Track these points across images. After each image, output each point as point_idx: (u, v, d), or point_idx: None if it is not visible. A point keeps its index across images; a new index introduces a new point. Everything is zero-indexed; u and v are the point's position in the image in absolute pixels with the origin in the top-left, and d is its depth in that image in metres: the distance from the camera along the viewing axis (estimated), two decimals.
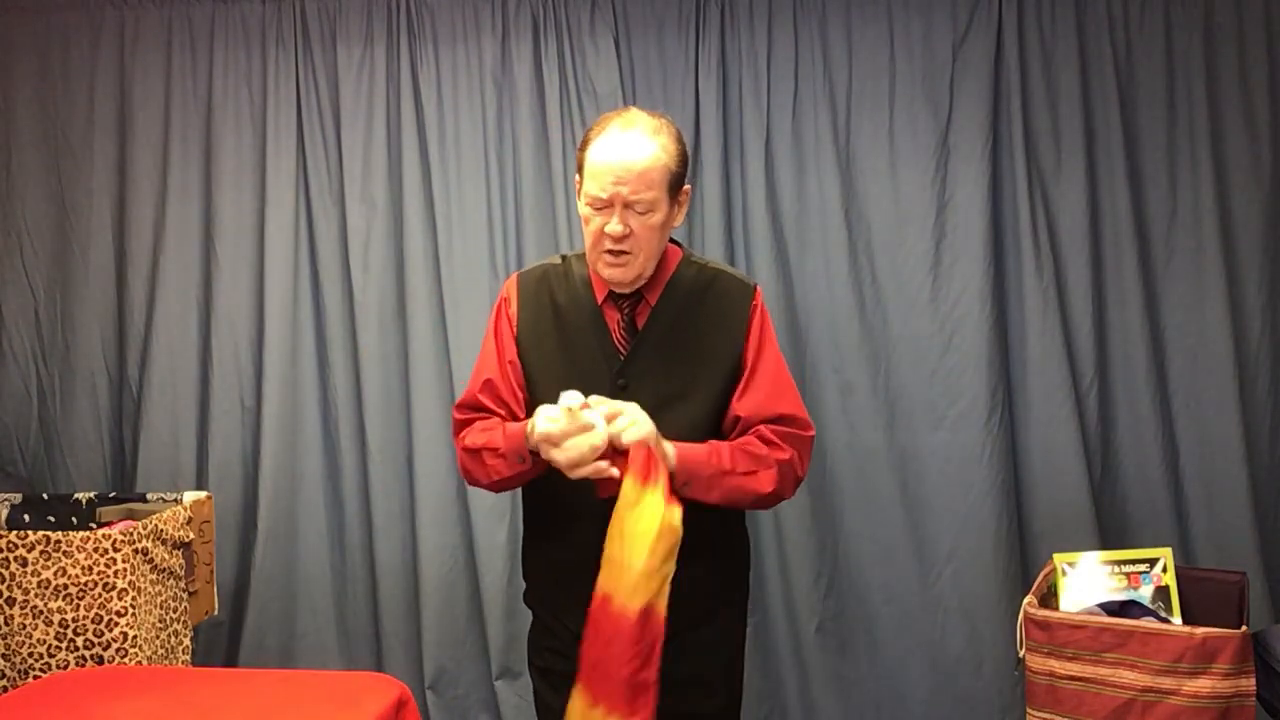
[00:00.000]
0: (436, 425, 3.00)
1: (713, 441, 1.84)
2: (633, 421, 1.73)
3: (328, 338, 3.07)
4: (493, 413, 1.94)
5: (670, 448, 1.77)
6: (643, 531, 1.69)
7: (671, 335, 1.89)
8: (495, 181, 3.00)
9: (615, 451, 1.74)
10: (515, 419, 1.91)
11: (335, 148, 3.05)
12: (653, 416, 1.79)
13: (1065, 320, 2.85)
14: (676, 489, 1.77)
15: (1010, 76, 2.84)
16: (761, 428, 1.87)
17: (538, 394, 1.90)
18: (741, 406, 1.88)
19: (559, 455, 1.74)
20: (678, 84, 2.94)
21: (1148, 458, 2.84)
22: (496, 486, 1.91)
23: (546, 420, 1.73)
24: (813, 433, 1.95)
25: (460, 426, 1.98)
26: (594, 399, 1.74)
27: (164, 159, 3.08)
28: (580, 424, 1.72)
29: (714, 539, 1.92)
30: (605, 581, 1.71)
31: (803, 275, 2.93)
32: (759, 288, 1.95)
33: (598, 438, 1.71)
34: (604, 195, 1.78)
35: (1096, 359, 2.85)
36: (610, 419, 1.73)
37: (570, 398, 1.72)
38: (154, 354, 3.07)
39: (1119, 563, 2.37)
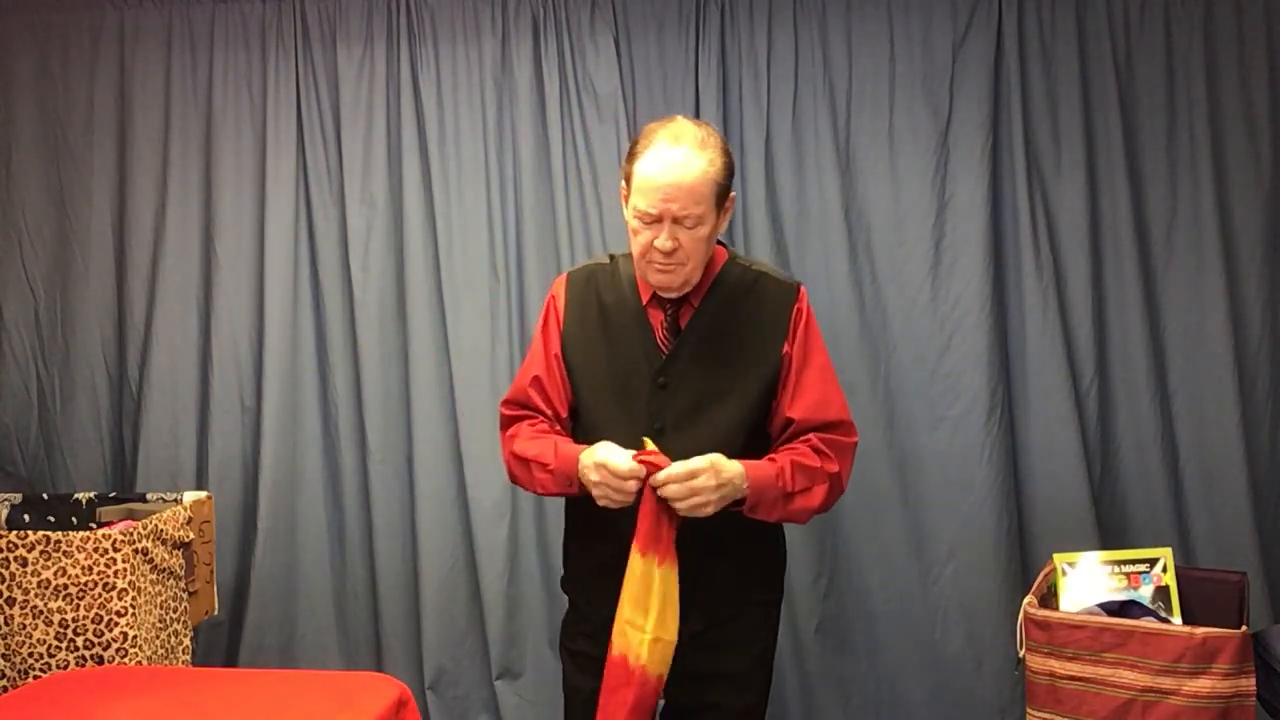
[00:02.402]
0: (436, 425, 3.00)
1: (775, 459, 1.87)
2: (699, 500, 1.75)
3: (328, 338, 3.07)
4: (539, 411, 1.98)
5: (741, 472, 1.79)
6: (657, 600, 1.76)
7: (714, 336, 1.92)
8: (495, 181, 3.00)
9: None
10: (560, 418, 1.97)
11: (335, 148, 3.05)
12: (691, 415, 1.86)
13: (1065, 320, 2.85)
14: (745, 512, 1.82)
15: (1010, 76, 2.84)
16: (812, 437, 1.89)
17: (580, 390, 1.96)
18: (794, 409, 1.90)
19: (595, 490, 1.79)
20: (678, 84, 2.94)
21: (1148, 458, 2.84)
22: (540, 494, 1.96)
23: (611, 458, 1.77)
24: (856, 439, 1.99)
25: (508, 422, 2.03)
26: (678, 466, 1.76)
27: (164, 159, 3.08)
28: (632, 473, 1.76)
29: (750, 536, 1.94)
30: (621, 643, 1.78)
31: (803, 275, 2.92)
32: (803, 289, 1.97)
33: (634, 492, 1.77)
34: (654, 211, 1.81)
35: (1096, 359, 2.85)
36: (688, 478, 1.74)
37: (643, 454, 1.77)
38: (154, 354, 3.07)
39: (1119, 563, 2.37)
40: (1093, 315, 2.85)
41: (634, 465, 1.76)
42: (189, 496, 2.68)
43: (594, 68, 2.95)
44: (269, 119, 3.05)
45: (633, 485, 1.76)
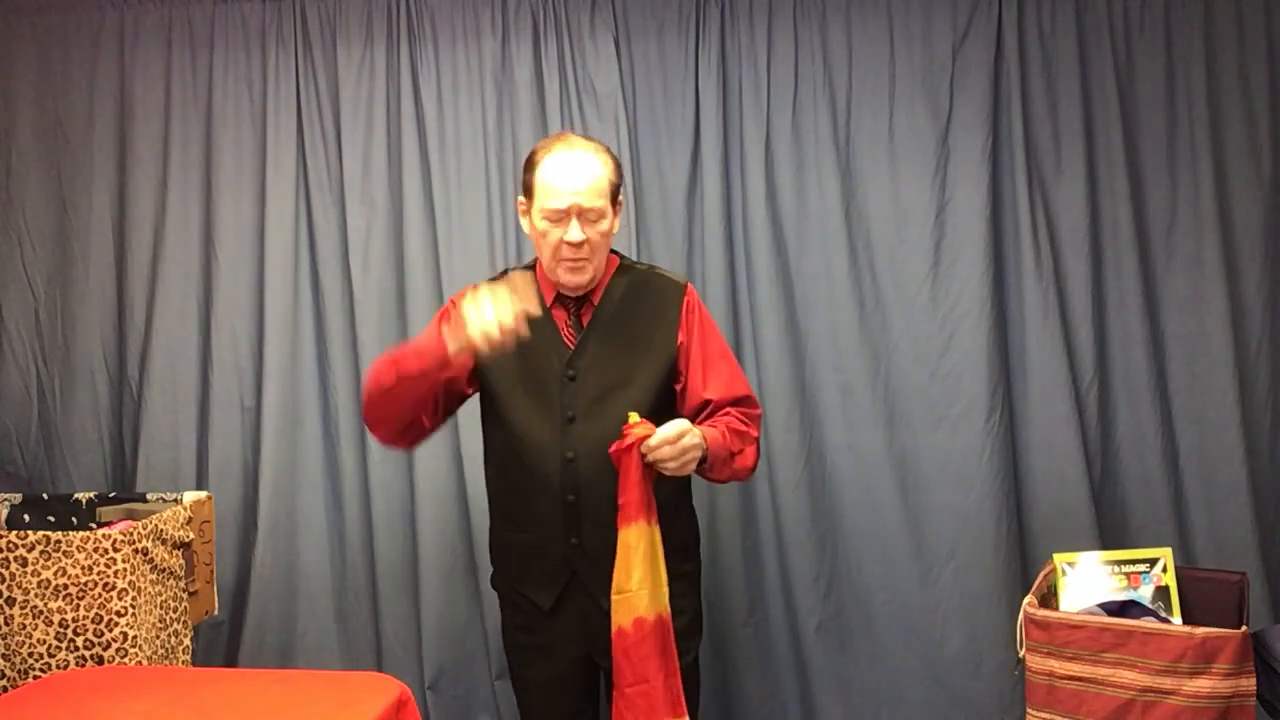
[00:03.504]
0: None
1: (714, 425, 2.04)
2: (689, 458, 1.94)
3: (328, 338, 3.07)
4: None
5: (700, 434, 1.97)
6: (656, 557, 1.95)
7: (614, 330, 2.11)
8: (495, 181, 3.00)
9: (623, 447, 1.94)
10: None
11: (335, 148, 3.04)
12: (599, 403, 2.05)
13: (1065, 320, 2.85)
14: (703, 470, 2.02)
15: (1010, 76, 2.84)
16: (732, 410, 2.12)
17: (495, 394, 2.14)
18: (710, 391, 2.12)
19: (470, 317, 1.88)
20: (678, 84, 2.94)
21: (1148, 458, 2.84)
22: (390, 400, 2.05)
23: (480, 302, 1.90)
24: (760, 410, 2.22)
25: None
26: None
27: (164, 159, 3.08)
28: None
29: (667, 513, 2.08)
30: (620, 615, 1.93)
31: (803, 275, 2.93)
32: (690, 284, 2.20)
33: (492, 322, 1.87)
34: (562, 206, 2.01)
35: (1096, 359, 2.85)
36: (678, 438, 1.92)
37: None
38: (154, 354, 3.07)
39: (1119, 563, 2.37)
40: (1093, 315, 2.84)
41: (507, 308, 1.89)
42: (189, 496, 2.68)
43: (594, 68, 2.95)
44: (269, 119, 3.04)
45: (506, 316, 1.87)
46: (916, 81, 2.87)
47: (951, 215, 2.87)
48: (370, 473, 3.05)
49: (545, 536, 2.08)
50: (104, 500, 2.73)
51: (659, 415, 2.01)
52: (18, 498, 2.72)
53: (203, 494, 2.73)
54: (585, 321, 2.12)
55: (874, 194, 2.90)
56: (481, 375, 2.14)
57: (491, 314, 1.87)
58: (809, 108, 2.91)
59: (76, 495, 2.74)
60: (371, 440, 3.04)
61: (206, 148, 3.08)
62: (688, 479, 2.18)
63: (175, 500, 2.68)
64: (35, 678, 2.32)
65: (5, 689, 2.33)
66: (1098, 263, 2.85)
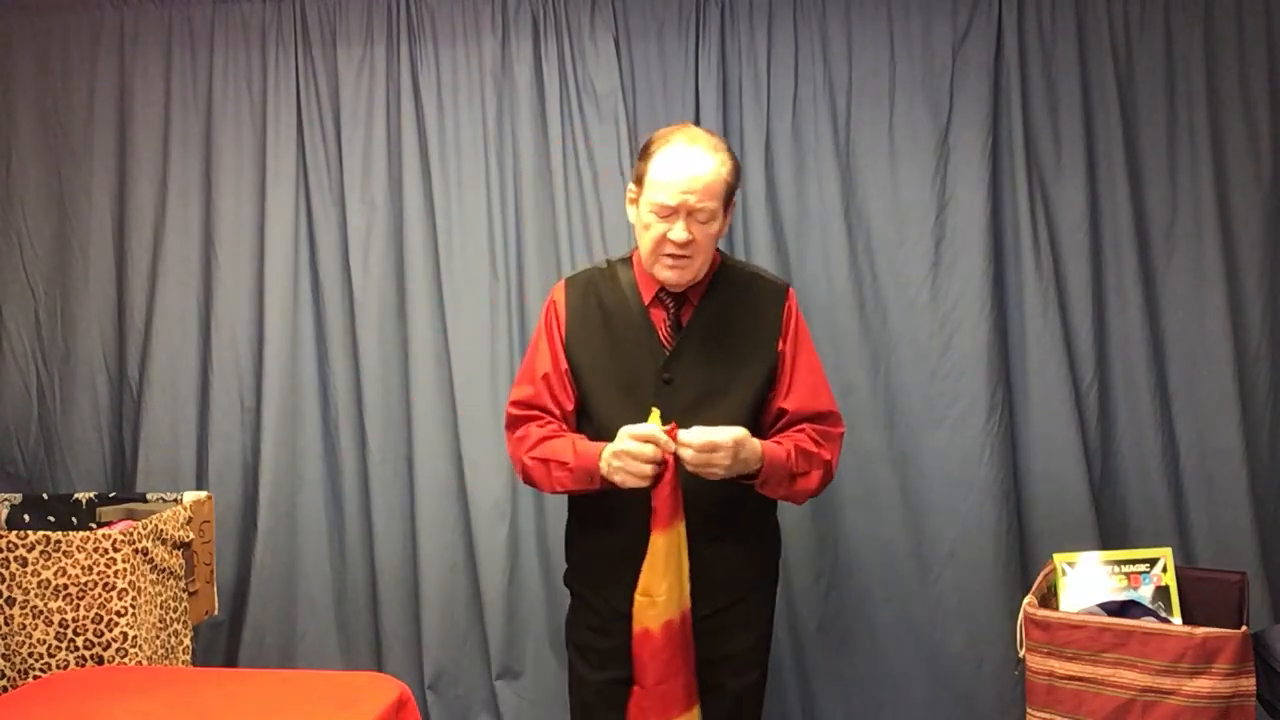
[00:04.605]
0: (436, 425, 3.00)
1: (782, 441, 1.98)
2: (716, 464, 1.87)
3: (328, 338, 3.07)
4: (547, 410, 2.06)
5: (759, 450, 1.91)
6: (678, 558, 1.91)
7: (714, 333, 2.02)
8: (495, 181, 3.00)
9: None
10: (567, 416, 2.05)
11: (335, 148, 3.04)
12: (695, 408, 1.95)
13: (1065, 320, 2.85)
14: (756, 485, 1.96)
15: (1010, 76, 2.84)
16: (807, 427, 2.02)
17: (586, 390, 2.05)
18: (788, 402, 2.03)
19: (616, 466, 1.86)
20: (678, 84, 2.94)
21: (1148, 458, 2.84)
22: (555, 493, 2.03)
23: (628, 440, 1.85)
24: (844, 429, 2.11)
25: (516, 422, 2.09)
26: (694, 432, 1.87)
27: (164, 159, 3.08)
28: (656, 447, 1.85)
29: (751, 523, 2.06)
30: (648, 619, 1.89)
31: (803, 275, 2.93)
32: (791, 289, 2.11)
33: (654, 466, 1.85)
34: (672, 204, 1.92)
35: (1096, 359, 2.85)
36: (706, 449, 1.85)
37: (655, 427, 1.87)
38: (154, 354, 3.07)
39: (1119, 563, 2.37)
40: (1093, 315, 2.84)
41: (654, 430, 1.84)
42: (189, 496, 2.68)
43: (594, 68, 2.95)
44: (269, 119, 3.04)
45: (651, 451, 1.83)
46: (916, 81, 2.87)
47: (951, 215, 2.87)
48: (370, 473, 3.05)
49: (633, 543, 1.93)
50: (104, 500, 2.73)
51: (756, 426, 1.98)
52: (18, 498, 2.72)
53: (203, 494, 2.73)
54: (684, 322, 2.03)
55: (874, 194, 2.90)
56: (574, 371, 2.05)
57: (641, 470, 1.85)
58: (809, 108, 2.91)
59: (76, 495, 2.74)
60: (371, 440, 3.05)
61: (206, 148, 3.08)
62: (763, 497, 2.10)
63: (175, 500, 2.68)
64: (35, 678, 2.32)
65: (5, 689, 2.33)
66: (1098, 263, 2.85)
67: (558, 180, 2.95)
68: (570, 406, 2.06)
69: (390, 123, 3.03)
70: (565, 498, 2.13)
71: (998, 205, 2.87)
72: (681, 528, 1.90)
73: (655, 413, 1.89)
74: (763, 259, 2.90)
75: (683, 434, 1.86)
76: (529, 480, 2.05)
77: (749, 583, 2.10)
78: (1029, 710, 2.18)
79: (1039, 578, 2.36)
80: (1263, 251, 2.82)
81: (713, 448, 1.84)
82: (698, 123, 2.92)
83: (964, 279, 2.85)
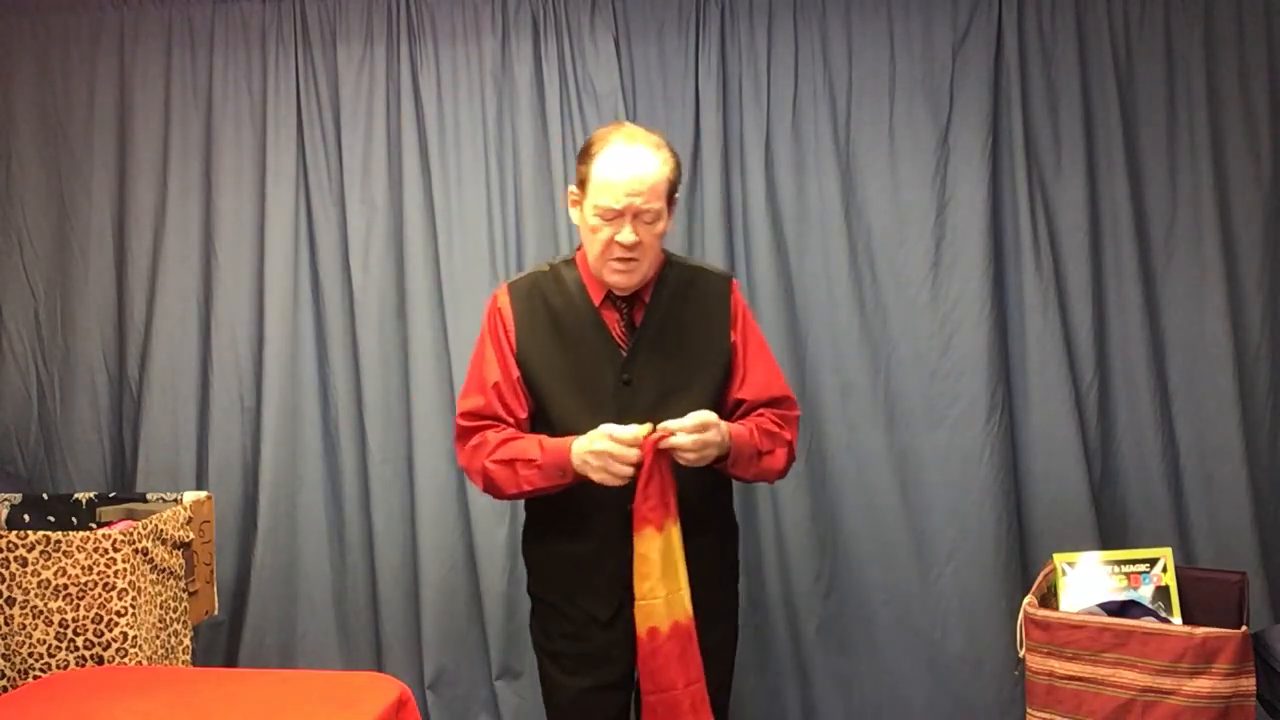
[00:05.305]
0: (436, 425, 3.00)
1: (745, 423, 1.98)
2: (710, 452, 1.87)
3: (328, 338, 3.07)
4: (500, 419, 2.01)
5: (725, 427, 1.91)
6: (673, 561, 1.88)
7: (667, 331, 2.01)
8: (495, 181, 3.00)
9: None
10: (520, 422, 2.01)
11: (335, 148, 3.04)
12: (656, 407, 1.92)
13: (1065, 320, 2.85)
14: (725, 467, 1.95)
15: (1010, 76, 2.84)
16: (766, 412, 2.03)
17: (543, 395, 2.01)
18: (744, 391, 2.03)
19: (595, 465, 1.85)
20: (678, 84, 2.94)
21: (1148, 458, 2.84)
22: (518, 497, 2.00)
23: (610, 441, 1.84)
24: (799, 412, 2.14)
25: (467, 433, 2.04)
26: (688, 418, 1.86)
27: (164, 159, 3.08)
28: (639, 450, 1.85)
29: (725, 516, 2.10)
30: (647, 617, 1.87)
31: (803, 275, 2.93)
32: (735, 280, 2.12)
33: (635, 463, 1.84)
34: (617, 206, 1.89)
35: (1096, 359, 2.85)
36: (700, 429, 1.85)
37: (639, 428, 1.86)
38: (154, 354, 3.07)
39: (1119, 563, 2.37)
40: (1093, 315, 2.85)
41: (638, 432, 1.83)
42: (189, 496, 2.68)
43: (594, 68, 2.95)
44: (269, 119, 3.04)
45: (635, 454, 1.83)
46: (916, 82, 2.87)
47: (951, 215, 2.87)
48: (370, 473, 3.05)
49: (604, 548, 1.95)
50: (104, 500, 2.73)
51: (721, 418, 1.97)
52: (18, 498, 2.72)
53: (203, 494, 2.73)
54: (637, 322, 2.01)
55: (874, 194, 2.90)
56: (528, 378, 2.02)
57: (621, 470, 1.84)
58: (809, 108, 2.91)
59: (76, 495, 2.74)
60: (371, 440, 3.04)
61: (206, 148, 3.08)
62: (729, 493, 2.14)
63: (175, 500, 2.68)
64: (35, 678, 2.32)
65: (5, 689, 2.33)
66: (1098, 263, 2.85)
67: (558, 180, 2.95)
68: (524, 414, 2.02)
69: (390, 122, 3.03)
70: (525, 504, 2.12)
71: (998, 205, 2.87)
72: (676, 529, 1.88)
73: (648, 426, 1.86)
74: (762, 259, 2.90)
75: (669, 422, 1.85)
76: (490, 486, 2.00)
77: (726, 571, 2.13)
78: (1029, 710, 2.18)
79: (1039, 578, 2.36)
80: (1263, 251, 2.82)
81: (705, 425, 1.84)
82: (698, 123, 2.93)
83: (964, 279, 2.86)
